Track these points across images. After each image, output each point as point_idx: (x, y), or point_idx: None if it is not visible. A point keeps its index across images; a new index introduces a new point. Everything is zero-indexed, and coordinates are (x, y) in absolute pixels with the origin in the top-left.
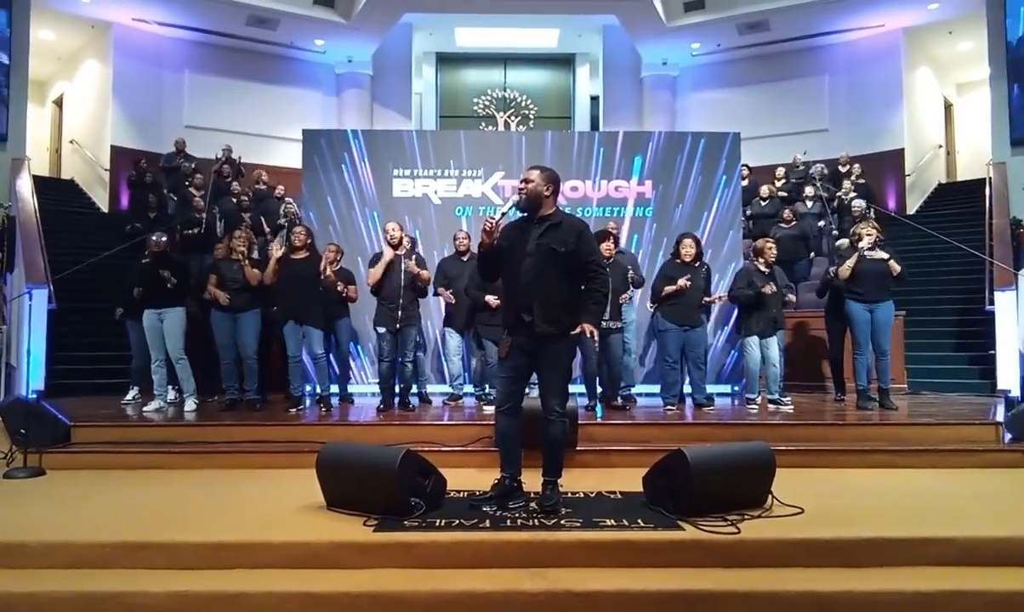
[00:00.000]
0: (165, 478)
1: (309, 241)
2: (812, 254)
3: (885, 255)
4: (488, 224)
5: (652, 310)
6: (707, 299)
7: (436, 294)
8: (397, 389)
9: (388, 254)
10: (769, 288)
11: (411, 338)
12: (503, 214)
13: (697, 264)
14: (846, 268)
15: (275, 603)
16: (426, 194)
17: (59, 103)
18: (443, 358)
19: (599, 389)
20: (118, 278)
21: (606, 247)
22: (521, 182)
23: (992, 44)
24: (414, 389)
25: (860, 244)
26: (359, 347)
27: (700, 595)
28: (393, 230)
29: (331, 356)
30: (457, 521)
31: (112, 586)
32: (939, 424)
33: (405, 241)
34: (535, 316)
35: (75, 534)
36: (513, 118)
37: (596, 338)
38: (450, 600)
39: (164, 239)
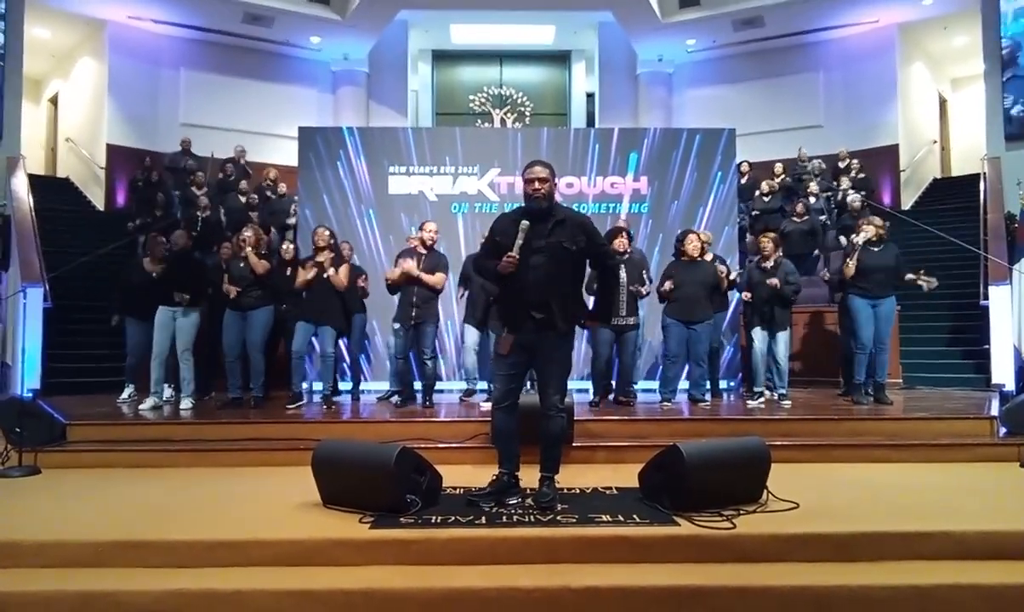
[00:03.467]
0: (161, 476)
1: (333, 241)
2: (817, 250)
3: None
4: (512, 261)
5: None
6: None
7: (462, 295)
8: (418, 386)
9: (409, 268)
10: (772, 281)
11: (429, 334)
12: (519, 245)
13: (707, 259)
14: (850, 266)
15: (271, 601)
16: (422, 191)
17: (54, 101)
18: (461, 353)
19: (605, 384)
20: (115, 277)
21: (619, 242)
22: (535, 182)
23: (986, 39)
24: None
25: (855, 238)
26: (367, 343)
27: (696, 590)
28: (433, 233)
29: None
30: (453, 518)
31: (107, 585)
32: (934, 418)
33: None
34: (554, 313)
35: (70, 533)
36: (509, 115)
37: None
38: (446, 597)
39: (185, 237)
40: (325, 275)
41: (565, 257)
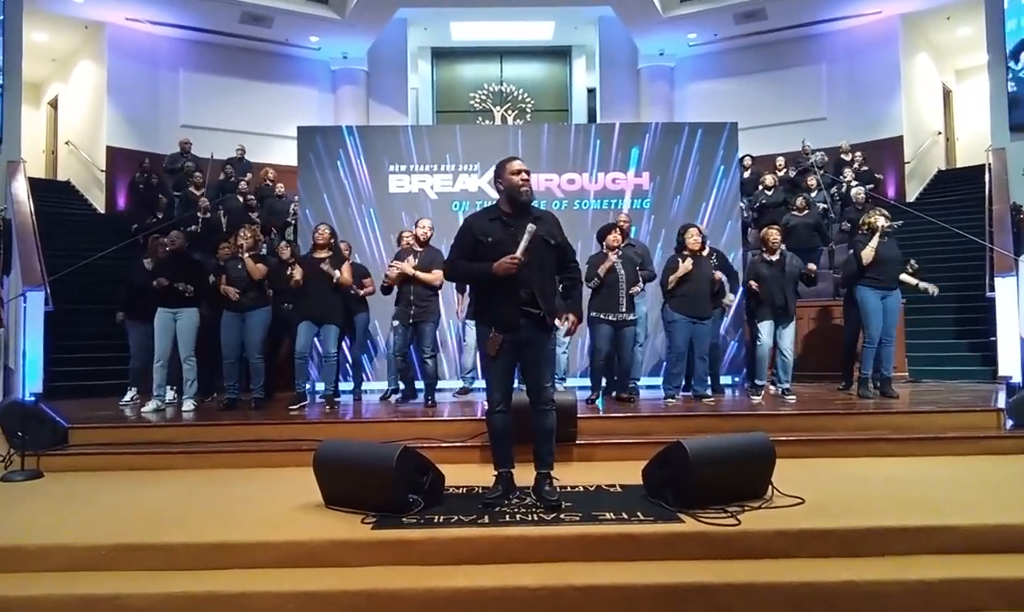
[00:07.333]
0: (163, 479)
1: (333, 240)
2: (823, 244)
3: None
4: (515, 262)
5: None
6: (725, 301)
7: (460, 291)
8: (420, 384)
9: (403, 267)
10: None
11: (429, 333)
12: (525, 247)
13: (704, 254)
14: (869, 250)
15: (273, 603)
16: (422, 189)
17: (54, 105)
18: (461, 350)
19: (604, 382)
20: (116, 279)
21: (613, 238)
22: (524, 173)
23: (991, 29)
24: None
25: (881, 223)
26: (369, 343)
27: (700, 587)
28: (427, 229)
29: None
30: (456, 517)
31: (110, 588)
32: (940, 411)
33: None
34: (542, 307)
35: (72, 536)
36: (510, 112)
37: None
38: (449, 597)
39: (181, 238)
40: (335, 280)
41: (548, 252)
